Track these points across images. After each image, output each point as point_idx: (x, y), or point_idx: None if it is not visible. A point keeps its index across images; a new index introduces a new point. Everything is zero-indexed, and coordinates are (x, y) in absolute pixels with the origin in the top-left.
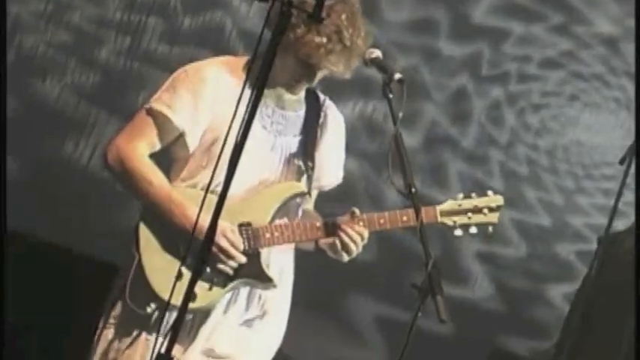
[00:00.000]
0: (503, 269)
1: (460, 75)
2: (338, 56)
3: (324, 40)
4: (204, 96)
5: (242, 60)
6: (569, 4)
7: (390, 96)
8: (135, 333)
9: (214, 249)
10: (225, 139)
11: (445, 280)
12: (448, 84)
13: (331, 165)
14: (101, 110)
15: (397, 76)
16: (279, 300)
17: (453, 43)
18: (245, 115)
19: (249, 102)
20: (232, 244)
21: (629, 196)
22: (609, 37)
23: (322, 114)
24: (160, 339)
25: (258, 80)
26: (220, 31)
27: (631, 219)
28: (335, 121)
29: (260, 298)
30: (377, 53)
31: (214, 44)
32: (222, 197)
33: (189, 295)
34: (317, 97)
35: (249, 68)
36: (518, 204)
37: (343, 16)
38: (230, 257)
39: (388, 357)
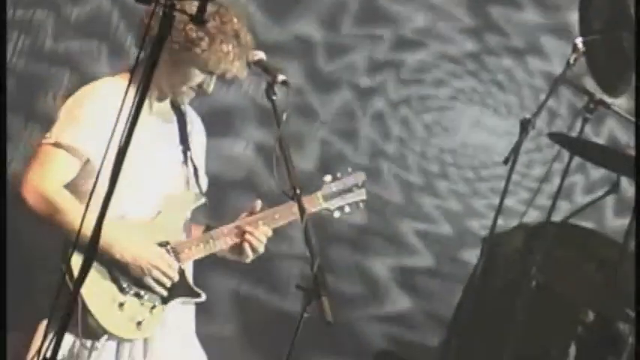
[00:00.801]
0: (415, 281)
1: (341, 90)
2: (240, 59)
3: (230, 47)
4: (102, 118)
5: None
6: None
7: (274, 98)
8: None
9: (154, 274)
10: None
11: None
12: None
13: (203, 170)
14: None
15: (281, 77)
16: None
17: (328, 57)
18: (126, 125)
19: (129, 113)
20: (165, 274)
21: (522, 194)
22: (515, 49)
23: (188, 120)
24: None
25: (141, 85)
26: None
27: (525, 217)
28: (198, 125)
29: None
30: (260, 55)
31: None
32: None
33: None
34: (178, 105)
35: (131, 77)
36: (418, 215)
37: (235, 20)
38: (169, 278)
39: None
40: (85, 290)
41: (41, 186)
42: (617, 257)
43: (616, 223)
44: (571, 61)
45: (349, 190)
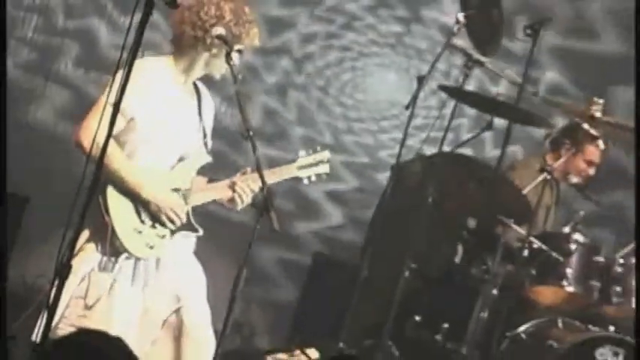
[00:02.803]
0: (346, 202)
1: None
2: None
3: (247, 24)
4: (144, 87)
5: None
6: None
7: (231, 62)
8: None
9: (169, 214)
10: None
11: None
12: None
13: (210, 136)
14: None
15: (237, 46)
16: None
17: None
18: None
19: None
20: (177, 215)
21: (421, 134)
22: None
23: (203, 95)
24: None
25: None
26: None
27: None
28: (208, 99)
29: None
30: (220, 30)
31: None
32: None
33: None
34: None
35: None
36: (343, 150)
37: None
38: (178, 218)
39: None
40: (114, 217)
41: (94, 133)
42: (492, 177)
43: (492, 152)
44: (454, 31)
45: (316, 165)
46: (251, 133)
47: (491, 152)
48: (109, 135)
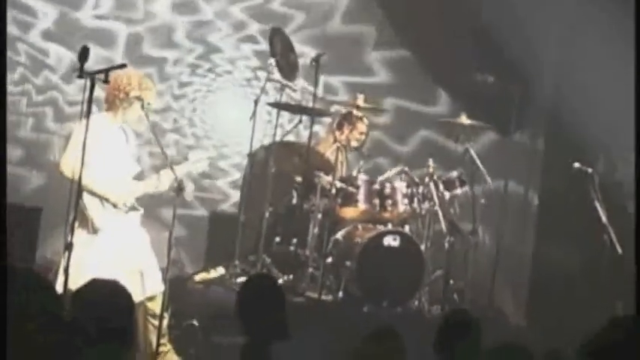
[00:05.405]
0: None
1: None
2: None
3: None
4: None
5: None
6: None
7: (144, 110)
8: None
9: (119, 202)
10: None
11: None
12: None
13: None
14: None
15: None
16: None
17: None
18: None
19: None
20: (125, 203)
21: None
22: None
23: (127, 132)
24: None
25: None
26: None
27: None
28: (130, 134)
29: None
30: (136, 92)
31: None
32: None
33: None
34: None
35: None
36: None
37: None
38: (126, 205)
39: None
40: (90, 210)
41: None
42: (306, 151)
43: (305, 135)
44: (270, 69)
45: (200, 162)
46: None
47: (304, 136)
48: (82, 164)
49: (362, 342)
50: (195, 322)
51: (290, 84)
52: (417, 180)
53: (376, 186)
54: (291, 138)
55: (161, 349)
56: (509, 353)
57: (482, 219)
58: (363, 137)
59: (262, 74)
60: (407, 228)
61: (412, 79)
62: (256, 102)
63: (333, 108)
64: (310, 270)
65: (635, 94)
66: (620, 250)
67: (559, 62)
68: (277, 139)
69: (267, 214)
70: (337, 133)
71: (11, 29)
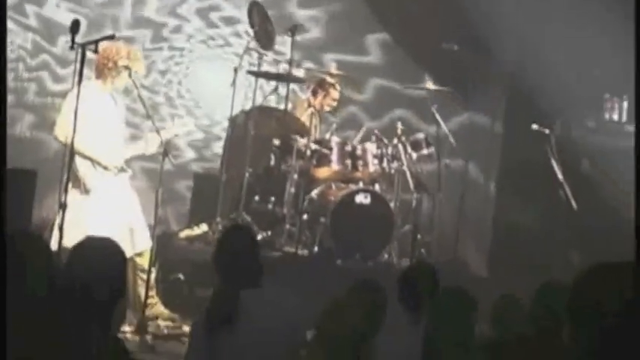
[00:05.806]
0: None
1: None
2: None
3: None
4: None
5: None
6: None
7: (132, 78)
8: None
9: (109, 165)
10: None
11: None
12: None
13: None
14: None
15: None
16: None
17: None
18: None
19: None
20: (114, 165)
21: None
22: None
23: (116, 99)
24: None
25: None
26: None
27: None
28: (120, 101)
29: None
30: (125, 62)
31: None
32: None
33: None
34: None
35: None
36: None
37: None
38: (116, 167)
39: None
40: (81, 172)
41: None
42: (283, 114)
43: (282, 102)
44: (249, 39)
45: (184, 126)
46: (151, 115)
47: (282, 102)
48: (74, 130)
49: (347, 293)
50: (181, 276)
51: (266, 52)
52: (386, 141)
53: (348, 147)
54: (269, 103)
55: (149, 301)
56: (454, 296)
57: (447, 178)
58: (335, 104)
59: (236, 41)
60: (377, 186)
61: (394, 59)
62: (236, 70)
63: (307, 74)
64: (287, 226)
65: (635, 93)
66: (574, 205)
67: (523, 35)
68: (256, 104)
69: (247, 175)
70: (312, 99)
71: None
